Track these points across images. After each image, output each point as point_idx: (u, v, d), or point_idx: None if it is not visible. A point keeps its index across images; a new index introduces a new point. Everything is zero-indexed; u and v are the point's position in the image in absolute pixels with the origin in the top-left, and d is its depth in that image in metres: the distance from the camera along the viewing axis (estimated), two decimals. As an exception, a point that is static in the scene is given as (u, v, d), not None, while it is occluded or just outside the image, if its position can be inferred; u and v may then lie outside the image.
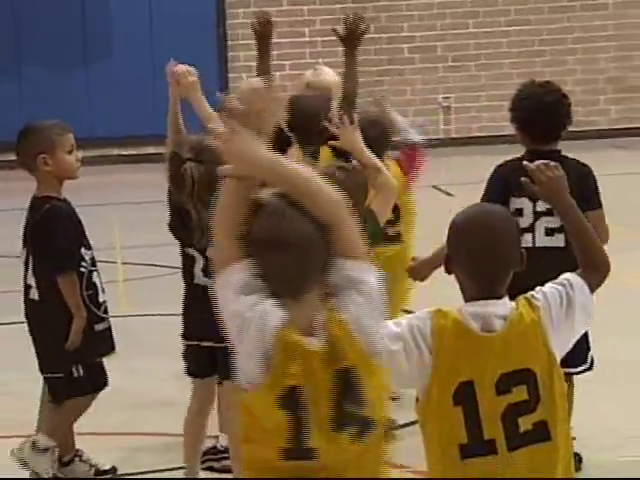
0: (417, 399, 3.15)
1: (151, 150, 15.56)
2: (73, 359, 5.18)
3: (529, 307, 3.14)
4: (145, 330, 7.76)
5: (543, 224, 5.15)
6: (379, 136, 5.67)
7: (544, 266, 4.22)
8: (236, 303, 2.79)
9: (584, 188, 5.02)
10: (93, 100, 15.69)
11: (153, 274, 9.33)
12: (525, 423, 3.07)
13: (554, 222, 5.04)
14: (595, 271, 3.24)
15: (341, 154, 5.68)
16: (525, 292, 3.22)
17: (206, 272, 4.95)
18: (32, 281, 5.19)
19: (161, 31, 16.07)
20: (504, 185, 5.18)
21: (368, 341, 2.81)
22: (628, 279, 7.50)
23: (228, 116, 2.77)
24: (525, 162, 3.37)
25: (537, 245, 5.11)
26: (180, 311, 5.14)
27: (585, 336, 4.47)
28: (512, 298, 3.18)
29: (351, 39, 5.96)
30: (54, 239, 5.11)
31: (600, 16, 16.68)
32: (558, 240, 5.06)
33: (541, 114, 5.32)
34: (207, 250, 4.87)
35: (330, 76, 6.42)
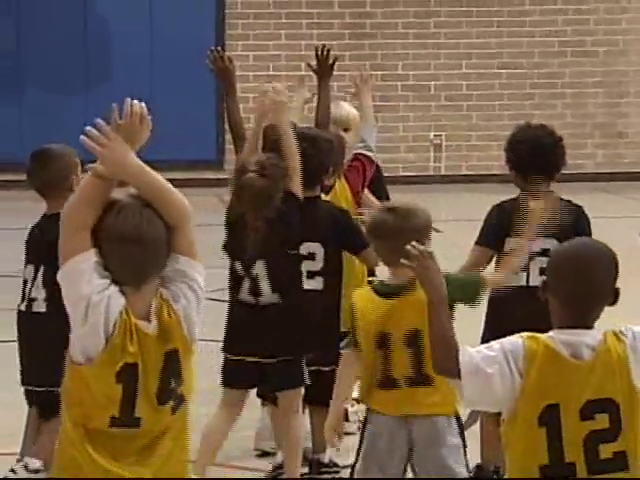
0: (503, 420, 3.27)
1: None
2: None
3: (616, 341, 3.27)
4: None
5: (537, 264, 5.19)
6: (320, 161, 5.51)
7: (538, 304, 4.28)
8: (85, 287, 3.08)
9: (578, 227, 5.19)
10: (92, 124, 15.64)
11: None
12: (605, 451, 3.19)
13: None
14: None
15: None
16: (522, 329, 3.36)
17: (252, 290, 5.20)
18: (38, 294, 5.22)
19: (160, 59, 16.10)
20: (500, 225, 5.28)
21: (190, 329, 3.16)
22: (615, 320, 7.45)
23: (113, 129, 3.20)
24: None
25: (530, 284, 5.18)
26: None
27: None
28: (509, 334, 3.34)
29: (323, 70, 6.09)
30: None
31: (590, 63, 16.76)
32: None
33: (537, 156, 5.38)
34: (254, 266, 5.14)
35: (349, 110, 6.36)
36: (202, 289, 3.19)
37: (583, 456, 3.19)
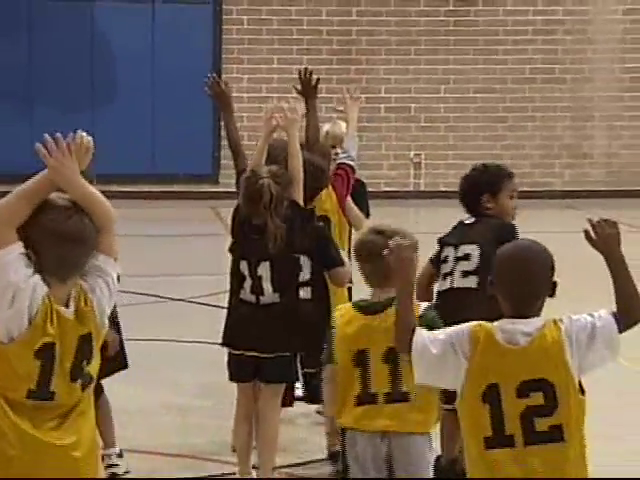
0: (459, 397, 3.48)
1: (146, 188, 15.54)
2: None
3: (554, 327, 3.45)
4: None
5: (460, 267, 5.34)
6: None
7: (460, 303, 4.90)
8: (13, 275, 3.26)
9: (501, 236, 5.11)
10: (98, 140, 15.62)
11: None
12: (541, 424, 3.37)
13: (469, 266, 5.30)
14: (627, 316, 3.46)
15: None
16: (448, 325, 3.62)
17: (254, 290, 5.18)
18: None
19: (161, 80, 16.09)
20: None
21: (102, 318, 3.36)
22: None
23: (69, 150, 3.48)
24: (588, 217, 3.63)
25: (455, 286, 5.33)
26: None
27: None
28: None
29: (308, 91, 5.99)
30: None
31: (558, 89, 16.79)
32: (471, 282, 5.27)
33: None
34: (259, 267, 5.12)
35: (344, 130, 6.35)
36: (115, 284, 3.42)
37: (520, 429, 3.37)
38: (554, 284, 3.52)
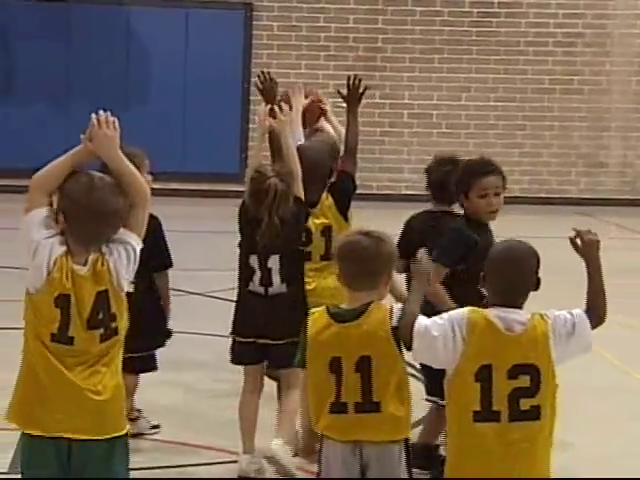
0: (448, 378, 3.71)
1: (174, 186, 15.59)
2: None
3: (541, 321, 3.72)
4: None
5: None
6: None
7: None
8: (36, 234, 3.61)
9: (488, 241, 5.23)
10: (131, 138, 15.70)
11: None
12: (524, 404, 3.64)
13: None
14: (596, 314, 3.78)
15: (342, 202, 5.69)
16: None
17: (263, 282, 5.27)
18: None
19: (193, 82, 16.14)
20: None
21: (119, 279, 3.65)
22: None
23: (113, 125, 3.80)
24: (573, 227, 3.95)
25: None
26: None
27: None
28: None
29: (353, 98, 5.91)
30: (162, 243, 5.63)
31: (576, 99, 16.75)
32: None
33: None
34: (268, 260, 5.21)
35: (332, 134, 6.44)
36: (136, 254, 3.68)
37: (507, 406, 3.64)
38: (538, 279, 3.78)
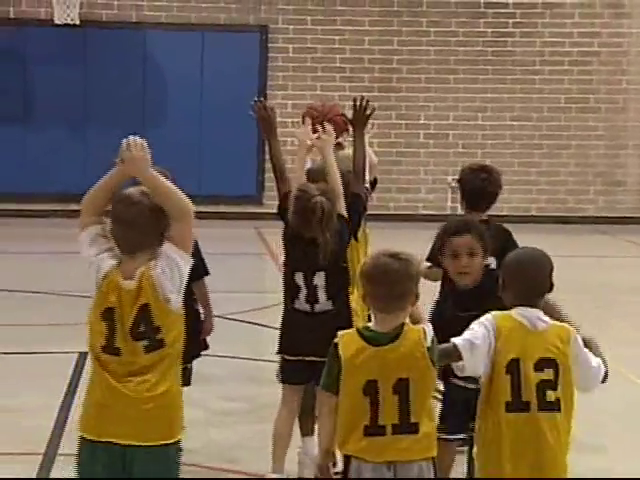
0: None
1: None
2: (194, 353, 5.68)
3: (562, 328, 4.02)
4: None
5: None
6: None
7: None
8: (86, 251, 3.97)
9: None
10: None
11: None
12: (550, 395, 3.92)
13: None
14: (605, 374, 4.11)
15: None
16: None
17: (309, 299, 5.30)
18: None
19: (209, 106, 16.20)
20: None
21: (164, 292, 3.87)
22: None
23: (142, 146, 4.04)
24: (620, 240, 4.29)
25: None
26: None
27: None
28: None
29: (359, 120, 5.85)
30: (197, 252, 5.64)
31: (593, 118, 16.73)
32: None
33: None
34: (314, 277, 5.25)
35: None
36: (182, 270, 3.93)
37: (535, 397, 3.92)
38: (552, 283, 4.07)
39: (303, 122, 6.41)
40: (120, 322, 3.89)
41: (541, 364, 3.94)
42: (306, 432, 5.63)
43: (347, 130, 6.67)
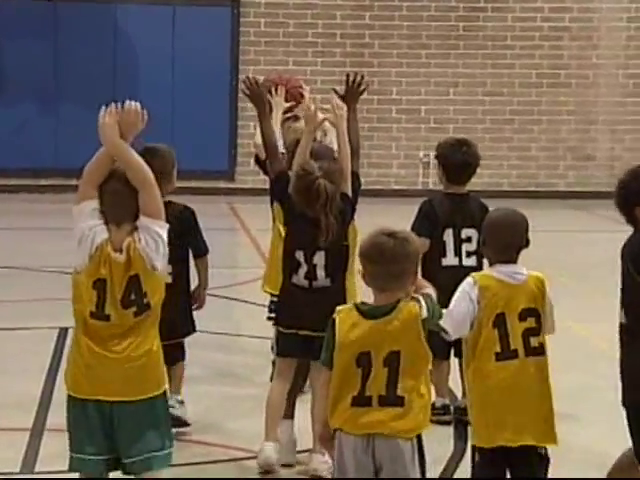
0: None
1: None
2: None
3: (538, 275, 4.37)
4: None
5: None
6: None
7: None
8: (84, 222, 4.14)
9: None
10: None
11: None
12: (533, 341, 4.27)
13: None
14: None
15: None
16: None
17: (308, 276, 5.32)
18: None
19: (181, 80, 16.10)
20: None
21: (150, 262, 4.12)
22: (570, 323, 7.49)
23: (116, 117, 4.28)
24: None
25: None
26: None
27: None
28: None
29: (352, 96, 5.75)
30: (195, 231, 5.90)
31: (563, 93, 16.76)
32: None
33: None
34: (315, 256, 5.29)
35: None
36: (162, 238, 4.15)
37: (522, 344, 4.25)
38: (528, 239, 4.39)
39: (270, 93, 6.38)
40: (111, 292, 4.11)
41: (524, 314, 4.27)
42: (286, 415, 5.58)
43: (301, 102, 6.65)
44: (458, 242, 6.05)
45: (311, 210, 5.22)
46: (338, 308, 4.14)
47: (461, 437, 5.87)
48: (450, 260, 6.05)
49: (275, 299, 5.84)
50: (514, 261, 4.34)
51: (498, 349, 4.23)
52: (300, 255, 5.31)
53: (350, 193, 5.39)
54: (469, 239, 6.07)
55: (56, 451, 5.13)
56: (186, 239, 5.79)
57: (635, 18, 16.76)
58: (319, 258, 5.29)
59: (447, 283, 5.81)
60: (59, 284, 9.09)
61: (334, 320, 4.05)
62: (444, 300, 5.85)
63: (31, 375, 6.81)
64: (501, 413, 4.22)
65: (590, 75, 16.78)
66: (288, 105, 6.47)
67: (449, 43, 16.54)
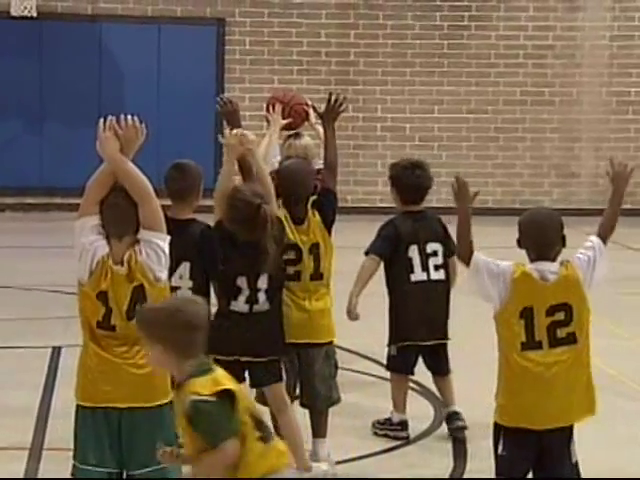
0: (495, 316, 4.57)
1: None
2: None
3: (569, 266, 4.59)
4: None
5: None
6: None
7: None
8: (85, 238, 4.21)
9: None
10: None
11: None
12: (561, 333, 4.51)
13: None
14: (607, 233, 4.77)
15: (328, 226, 5.67)
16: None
17: (249, 300, 5.31)
18: (185, 285, 5.35)
19: (167, 98, 16.11)
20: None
21: (153, 272, 4.20)
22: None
23: (114, 134, 4.29)
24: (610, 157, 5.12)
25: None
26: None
27: None
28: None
29: (331, 115, 5.82)
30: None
31: (547, 111, 16.84)
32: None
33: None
34: (258, 280, 5.30)
35: (307, 142, 6.60)
36: (163, 250, 4.22)
37: (546, 336, 4.50)
38: (564, 237, 4.62)
39: (267, 110, 6.57)
40: (115, 303, 4.17)
41: (553, 309, 4.51)
42: (318, 434, 5.63)
43: (307, 120, 6.76)
44: (424, 257, 6.19)
45: (253, 236, 5.21)
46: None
47: (460, 455, 5.88)
48: (418, 275, 6.18)
49: None
50: (551, 259, 4.57)
51: (524, 339, 4.49)
52: (242, 281, 5.30)
53: (277, 214, 5.39)
54: (435, 253, 6.23)
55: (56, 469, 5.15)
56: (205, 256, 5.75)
57: (618, 37, 16.86)
58: (262, 282, 5.30)
59: (417, 298, 6.13)
60: (45, 302, 9.09)
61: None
62: (415, 315, 6.10)
63: (26, 394, 6.79)
64: (525, 398, 4.48)
65: (574, 93, 16.87)
66: (286, 122, 6.58)
67: (433, 61, 16.60)
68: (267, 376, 5.37)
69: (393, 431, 6.10)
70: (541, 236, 4.59)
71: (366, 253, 6.18)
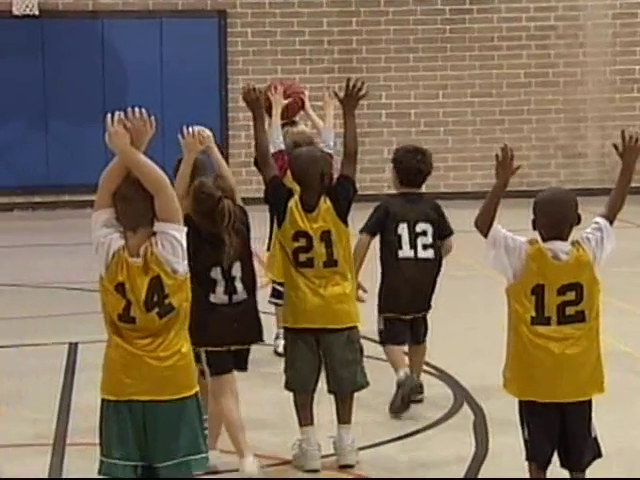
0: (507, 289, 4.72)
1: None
2: None
3: (580, 247, 4.69)
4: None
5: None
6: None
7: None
8: (99, 231, 4.22)
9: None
10: (108, 152, 15.62)
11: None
12: (570, 311, 4.61)
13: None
14: (614, 210, 4.84)
15: (343, 215, 5.65)
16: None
17: (227, 291, 5.41)
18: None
19: (170, 92, 16.10)
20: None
21: (169, 264, 4.18)
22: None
23: (124, 127, 4.28)
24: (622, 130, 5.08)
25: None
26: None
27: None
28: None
29: (351, 101, 5.72)
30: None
31: (552, 92, 16.78)
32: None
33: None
34: (232, 269, 5.39)
35: (304, 129, 6.93)
36: (179, 240, 4.19)
37: (555, 313, 4.60)
38: (579, 216, 4.71)
39: (268, 92, 6.75)
40: (133, 295, 4.16)
41: (564, 288, 4.60)
42: (342, 420, 5.65)
43: (302, 108, 6.90)
44: (413, 235, 6.42)
45: (215, 228, 5.32)
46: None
47: (481, 435, 5.95)
48: (406, 252, 6.43)
49: (278, 286, 6.55)
50: (564, 238, 4.65)
51: (533, 314, 4.59)
52: (216, 272, 5.37)
53: (240, 201, 5.50)
54: (424, 232, 6.45)
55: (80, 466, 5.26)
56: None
57: (620, 14, 16.79)
58: (236, 270, 5.40)
59: (404, 274, 6.45)
60: (58, 299, 9.13)
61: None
62: (406, 290, 6.28)
63: (46, 389, 6.83)
64: (532, 371, 4.60)
65: (578, 73, 16.81)
66: (286, 102, 6.78)
67: (436, 46, 16.56)
68: (246, 363, 5.54)
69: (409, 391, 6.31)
70: (558, 213, 4.65)
71: (360, 232, 6.49)
